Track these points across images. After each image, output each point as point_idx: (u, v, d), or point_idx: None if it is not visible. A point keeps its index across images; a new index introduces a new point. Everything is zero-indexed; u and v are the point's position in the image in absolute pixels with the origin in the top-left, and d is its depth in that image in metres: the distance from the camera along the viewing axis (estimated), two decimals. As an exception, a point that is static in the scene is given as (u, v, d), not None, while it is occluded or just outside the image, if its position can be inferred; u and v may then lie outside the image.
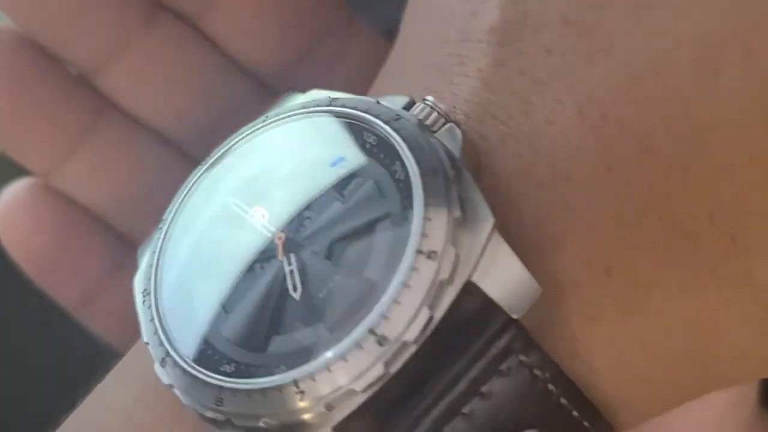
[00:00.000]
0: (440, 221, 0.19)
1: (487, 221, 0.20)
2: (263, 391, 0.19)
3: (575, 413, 0.20)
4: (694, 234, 0.20)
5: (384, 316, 0.19)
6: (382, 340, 0.19)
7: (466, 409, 0.20)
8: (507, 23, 0.22)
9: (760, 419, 0.32)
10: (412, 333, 0.19)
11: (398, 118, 0.21)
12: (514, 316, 0.20)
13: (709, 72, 0.20)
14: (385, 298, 0.19)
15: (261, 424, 0.19)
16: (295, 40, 0.31)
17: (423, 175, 0.20)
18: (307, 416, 0.19)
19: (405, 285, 0.19)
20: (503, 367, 0.20)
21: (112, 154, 0.30)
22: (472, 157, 0.21)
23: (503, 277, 0.20)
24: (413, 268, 0.19)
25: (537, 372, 0.20)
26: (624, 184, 0.20)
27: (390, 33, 0.26)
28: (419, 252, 0.19)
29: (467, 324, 0.20)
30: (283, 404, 0.19)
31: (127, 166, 0.30)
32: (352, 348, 0.19)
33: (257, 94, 0.30)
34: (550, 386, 0.20)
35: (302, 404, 0.19)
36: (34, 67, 0.30)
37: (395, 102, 0.21)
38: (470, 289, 0.20)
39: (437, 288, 0.19)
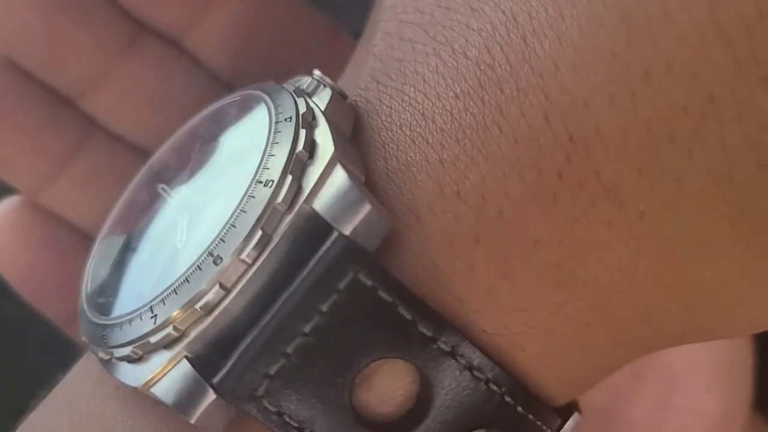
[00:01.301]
0: (281, 155, 0.21)
1: (328, 152, 0.20)
2: (130, 321, 0.21)
3: (437, 339, 0.20)
4: (532, 139, 0.20)
5: (221, 239, 0.20)
6: (217, 260, 0.20)
7: (306, 328, 0.20)
8: (402, 3, 0.22)
9: (753, 426, 0.32)
10: (246, 252, 0.20)
11: (281, 89, 0.22)
12: (345, 231, 0.20)
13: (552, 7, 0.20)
14: (224, 223, 0.20)
15: (130, 353, 0.21)
16: (279, 57, 0.31)
17: (277, 122, 0.21)
18: (158, 337, 0.20)
19: (241, 210, 0.20)
20: (341, 285, 0.20)
21: (98, 173, 0.30)
22: (349, 116, 0.22)
23: (342, 205, 0.20)
24: (249, 195, 0.20)
25: (383, 294, 0.20)
26: (466, 106, 0.20)
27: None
28: (258, 182, 0.21)
29: (309, 247, 0.20)
30: (142, 329, 0.21)
31: (114, 184, 0.30)
32: (193, 270, 0.20)
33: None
34: (402, 310, 0.20)
35: (155, 326, 0.20)
36: (19, 90, 0.30)
37: (296, 80, 0.23)
38: (312, 216, 0.20)
39: (272, 212, 0.20)
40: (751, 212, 0.19)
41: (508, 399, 0.21)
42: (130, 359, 0.21)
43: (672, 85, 0.19)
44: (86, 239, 0.31)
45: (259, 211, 0.20)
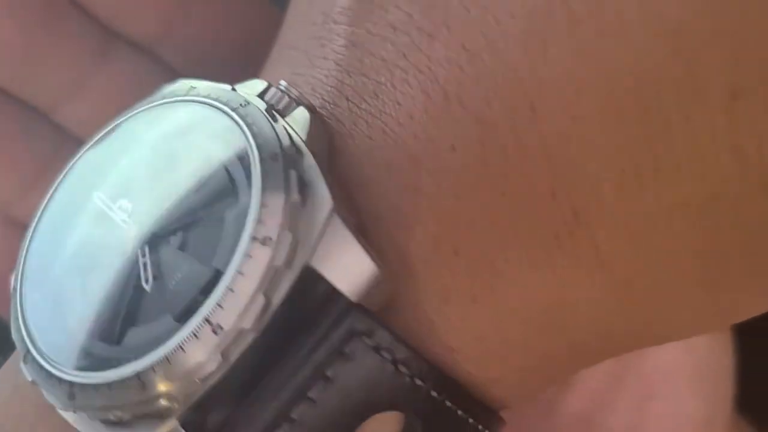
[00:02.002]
0: (276, 207, 0.19)
1: (326, 204, 0.20)
2: (109, 385, 0.19)
3: (434, 393, 0.20)
4: (536, 210, 0.20)
5: (219, 305, 0.19)
6: (217, 329, 0.19)
7: (311, 394, 0.19)
8: (357, 2, 0.22)
9: (736, 428, 0.32)
10: (249, 320, 0.19)
11: (246, 104, 0.21)
12: (354, 299, 0.19)
13: (538, 43, 0.19)
14: (220, 287, 0.19)
15: (111, 417, 0.19)
16: (255, 64, 0.30)
17: (262, 161, 0.20)
18: (150, 409, 0.19)
19: (239, 273, 0.19)
20: (347, 350, 0.20)
21: None
22: (325, 140, 0.21)
23: (342, 261, 0.19)
24: (247, 255, 0.19)
25: (385, 354, 0.20)
26: (465, 163, 0.20)
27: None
28: (254, 239, 0.19)
29: (309, 309, 0.20)
30: (127, 396, 0.19)
31: None
32: (189, 338, 0.19)
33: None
34: (402, 367, 0.20)
35: (143, 396, 0.19)
36: None
37: (252, 88, 0.21)
38: (310, 273, 0.19)
39: (273, 274, 0.19)
40: (727, 289, 0.21)
41: None
42: (108, 421, 0.20)
43: (679, 184, 0.19)
44: None
45: (259, 275, 0.19)
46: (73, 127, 0.30)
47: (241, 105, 0.21)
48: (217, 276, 0.19)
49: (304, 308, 0.20)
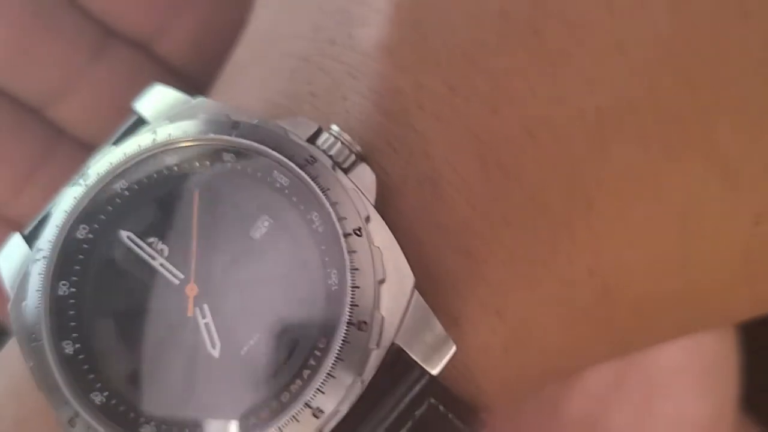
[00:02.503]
0: (368, 288, 0.20)
1: (408, 280, 0.20)
2: None
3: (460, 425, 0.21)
4: (574, 284, 0.21)
5: (320, 390, 0.19)
6: (317, 413, 0.19)
7: None
8: (404, 45, 0.21)
9: (741, 428, 0.32)
10: (347, 403, 0.20)
11: (313, 161, 0.20)
12: (433, 372, 0.20)
13: (601, 142, 0.20)
14: (321, 372, 0.19)
15: None
16: None
17: (346, 235, 0.20)
18: None
19: (339, 358, 0.19)
20: (418, 413, 0.20)
21: (64, 182, 0.30)
22: (379, 194, 0.21)
23: (424, 339, 0.20)
24: (345, 341, 0.19)
25: (442, 408, 0.21)
26: (516, 236, 0.21)
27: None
28: (350, 324, 0.19)
29: (388, 377, 0.20)
30: None
31: None
32: (289, 421, 0.19)
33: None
34: (451, 415, 0.21)
35: None
36: None
37: (302, 129, 0.21)
38: (399, 353, 0.20)
39: (365, 354, 0.20)
40: None
41: None
42: None
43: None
44: None
45: (357, 359, 0.20)
46: (67, 124, 0.30)
47: (308, 161, 0.20)
48: (296, 348, 0.20)
49: (386, 380, 0.20)
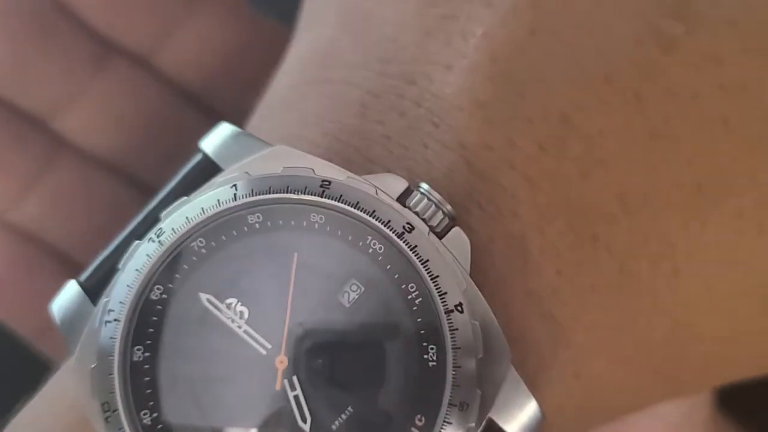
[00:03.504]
0: (469, 368, 0.19)
1: (504, 355, 0.19)
2: None
3: None
4: (653, 349, 0.22)
5: None
6: None
7: None
8: (495, 100, 0.20)
9: (714, 424, 0.32)
10: None
11: (411, 229, 0.19)
12: None
13: (698, 218, 0.20)
14: None
15: None
16: (247, 71, 0.31)
17: (448, 312, 0.19)
18: None
19: None
20: None
21: (67, 190, 0.30)
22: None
23: (519, 415, 0.20)
24: (447, 422, 0.19)
25: None
26: (602, 303, 0.21)
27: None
28: (452, 405, 0.19)
29: None
30: None
31: (81, 202, 0.30)
32: None
33: (210, 125, 0.30)
34: None
35: None
36: None
37: (391, 187, 0.20)
38: (489, 423, 0.20)
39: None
40: None
41: None
42: None
43: None
44: (55, 254, 0.31)
45: None
46: (68, 135, 0.30)
47: (405, 230, 0.19)
48: (390, 423, 0.19)
49: None
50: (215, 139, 0.21)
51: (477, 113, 0.20)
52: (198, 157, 0.21)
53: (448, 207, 0.20)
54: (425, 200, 0.19)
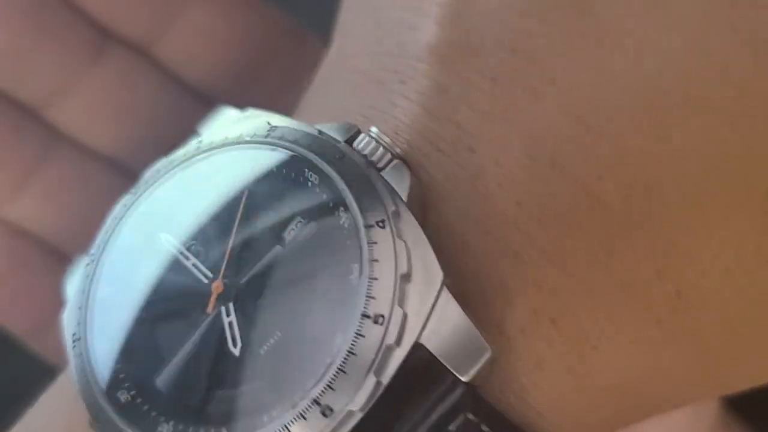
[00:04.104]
0: (387, 280, 0.19)
1: (436, 277, 0.19)
2: None
3: None
4: (640, 288, 0.20)
5: (329, 387, 0.18)
6: (326, 411, 0.18)
7: None
8: (448, 44, 0.21)
9: (722, 426, 0.32)
10: (359, 402, 0.18)
11: (342, 156, 0.20)
12: (464, 379, 0.19)
13: (660, 127, 0.19)
14: (331, 368, 0.18)
15: None
16: (248, 63, 0.30)
17: (368, 227, 0.19)
18: None
19: (350, 353, 0.18)
20: (452, 427, 0.19)
21: (63, 184, 0.30)
22: (418, 194, 0.20)
23: (454, 341, 0.19)
24: (359, 335, 0.18)
25: (485, 428, 0.19)
26: (572, 235, 0.20)
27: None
28: (365, 316, 0.18)
29: (415, 383, 0.19)
30: None
31: (79, 195, 0.30)
32: (296, 418, 0.18)
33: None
34: None
35: None
36: None
37: (339, 131, 0.21)
38: (419, 349, 0.19)
39: (384, 352, 0.18)
40: None
41: None
42: None
43: None
44: (51, 251, 0.30)
45: (371, 356, 0.18)
46: (65, 126, 0.30)
47: (336, 158, 0.20)
48: (316, 348, 0.19)
49: (410, 382, 0.19)
50: (210, 121, 0.22)
51: (431, 59, 0.21)
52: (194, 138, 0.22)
53: (398, 150, 0.20)
54: (373, 143, 0.20)
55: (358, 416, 0.18)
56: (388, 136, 0.20)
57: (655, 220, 0.19)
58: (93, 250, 0.21)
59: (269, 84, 0.30)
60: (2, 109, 0.29)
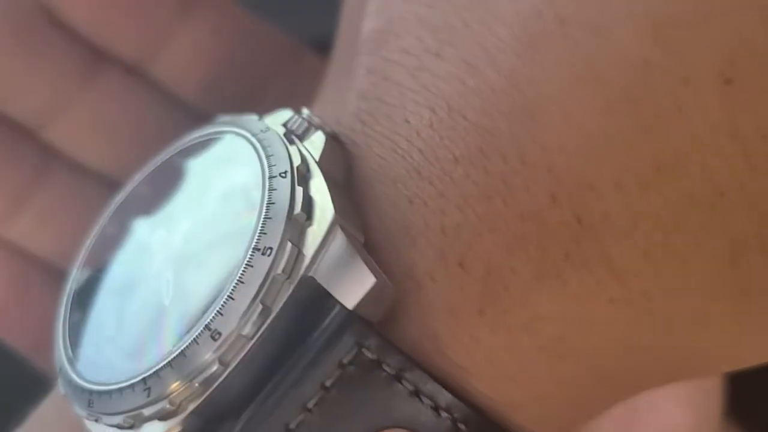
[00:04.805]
0: (280, 219, 0.20)
1: (329, 216, 0.20)
2: (120, 391, 0.20)
3: (444, 413, 0.20)
4: (538, 217, 0.20)
5: (219, 312, 0.20)
6: (215, 335, 0.20)
7: (311, 405, 0.20)
8: (374, 32, 0.22)
9: (725, 434, 0.32)
10: (247, 327, 0.20)
11: (266, 130, 0.22)
12: (349, 305, 0.20)
13: (530, 47, 0.19)
14: (222, 296, 0.20)
15: (121, 422, 0.20)
16: (245, 81, 0.30)
17: (271, 178, 0.21)
18: (153, 410, 0.20)
19: (239, 281, 0.20)
20: (346, 360, 0.20)
21: (60, 205, 0.30)
22: (342, 162, 0.22)
23: (341, 272, 0.20)
24: (248, 265, 0.20)
25: (386, 368, 0.20)
26: (468, 173, 0.20)
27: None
28: (255, 249, 0.20)
29: (310, 319, 0.20)
30: (135, 401, 0.20)
31: (76, 216, 0.30)
32: (191, 344, 0.20)
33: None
34: (406, 382, 0.20)
35: (148, 400, 0.20)
36: None
37: (279, 117, 0.22)
38: (310, 284, 0.20)
39: (272, 283, 0.20)
40: (752, 291, 0.20)
41: None
42: (120, 426, 0.21)
43: (683, 179, 0.19)
44: (49, 270, 0.30)
45: (258, 283, 0.20)
46: (62, 145, 0.30)
47: (261, 131, 0.22)
48: (214, 279, 0.20)
49: (305, 319, 0.20)
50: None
51: (363, 49, 0.22)
52: None
53: (327, 129, 0.22)
54: (301, 120, 0.22)
55: (249, 343, 0.20)
56: (319, 118, 0.22)
57: (543, 148, 0.19)
58: (84, 243, 0.24)
59: (267, 102, 0.30)
60: None
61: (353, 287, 0.20)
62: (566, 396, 0.21)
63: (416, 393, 0.20)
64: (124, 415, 0.20)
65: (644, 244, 0.19)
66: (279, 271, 0.20)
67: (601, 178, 0.19)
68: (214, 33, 0.30)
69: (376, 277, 0.20)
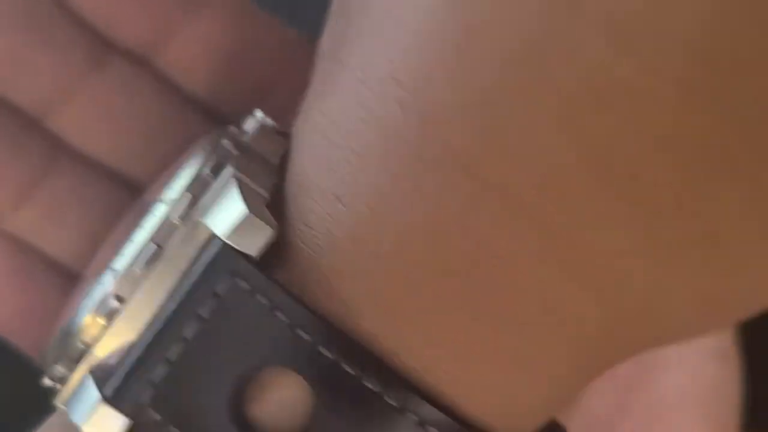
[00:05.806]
0: (186, 176, 0.22)
1: (227, 173, 0.21)
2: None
3: (324, 350, 0.19)
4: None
5: (120, 254, 0.22)
6: (114, 273, 0.22)
7: (186, 334, 0.20)
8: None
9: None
10: (139, 264, 0.21)
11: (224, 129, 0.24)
12: (218, 232, 0.20)
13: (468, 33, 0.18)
14: (125, 241, 0.22)
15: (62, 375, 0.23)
16: (254, 76, 0.30)
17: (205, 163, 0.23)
18: (72, 352, 0.22)
19: (140, 227, 0.22)
20: (218, 290, 0.20)
21: (64, 197, 0.30)
22: (273, 141, 0.23)
23: (221, 210, 0.20)
24: (150, 213, 0.22)
25: (261, 298, 0.19)
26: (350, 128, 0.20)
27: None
28: (159, 200, 0.22)
29: (196, 257, 0.21)
30: (65, 346, 0.23)
31: (81, 210, 0.30)
32: (96, 285, 0.22)
33: (213, 128, 0.29)
34: (279, 314, 0.19)
35: (71, 342, 0.22)
36: None
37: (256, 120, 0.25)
38: (199, 225, 0.21)
39: (166, 226, 0.22)
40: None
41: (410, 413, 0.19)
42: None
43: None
44: (54, 266, 0.30)
45: (154, 227, 0.22)
46: (67, 135, 0.30)
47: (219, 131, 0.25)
48: (126, 228, 0.23)
49: (193, 257, 0.21)
50: None
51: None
52: None
53: (280, 128, 0.24)
54: (254, 121, 0.25)
55: (143, 280, 0.21)
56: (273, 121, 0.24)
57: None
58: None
59: (277, 97, 0.30)
60: (3, 123, 0.29)
61: (225, 215, 0.20)
62: (458, 336, 0.19)
63: (291, 326, 0.19)
64: (59, 364, 0.23)
65: (528, 166, 0.18)
66: (175, 216, 0.22)
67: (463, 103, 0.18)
68: (224, 26, 0.30)
69: (249, 209, 0.20)
